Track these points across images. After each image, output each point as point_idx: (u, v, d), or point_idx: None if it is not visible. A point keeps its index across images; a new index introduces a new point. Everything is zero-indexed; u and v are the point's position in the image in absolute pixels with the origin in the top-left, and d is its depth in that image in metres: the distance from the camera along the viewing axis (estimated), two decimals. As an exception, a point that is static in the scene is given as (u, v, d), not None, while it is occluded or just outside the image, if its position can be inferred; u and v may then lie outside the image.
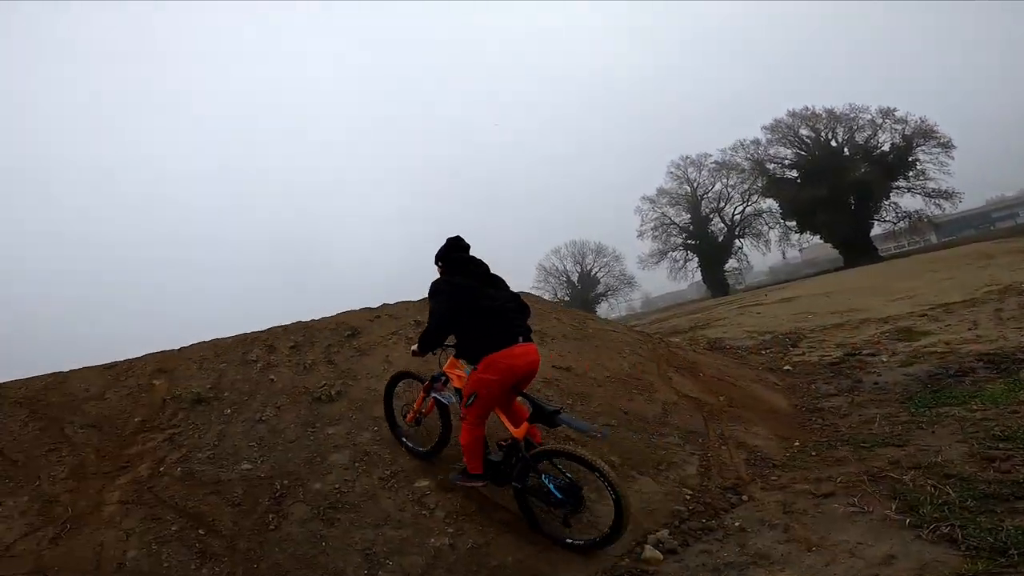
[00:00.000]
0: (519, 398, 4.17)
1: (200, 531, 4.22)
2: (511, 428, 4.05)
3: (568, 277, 58.40)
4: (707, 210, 53.71)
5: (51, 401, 5.88)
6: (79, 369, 6.50)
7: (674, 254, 54.98)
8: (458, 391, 4.38)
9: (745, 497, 4.70)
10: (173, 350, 6.72)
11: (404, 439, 5.12)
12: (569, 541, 3.94)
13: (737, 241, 53.15)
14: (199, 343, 6.91)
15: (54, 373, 6.44)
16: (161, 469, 4.81)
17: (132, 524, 4.23)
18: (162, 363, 6.39)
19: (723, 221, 53.61)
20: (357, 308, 7.77)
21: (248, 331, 7.09)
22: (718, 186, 53.39)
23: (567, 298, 54.36)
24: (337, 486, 4.73)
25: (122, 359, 6.61)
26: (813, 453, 5.41)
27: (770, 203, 51.16)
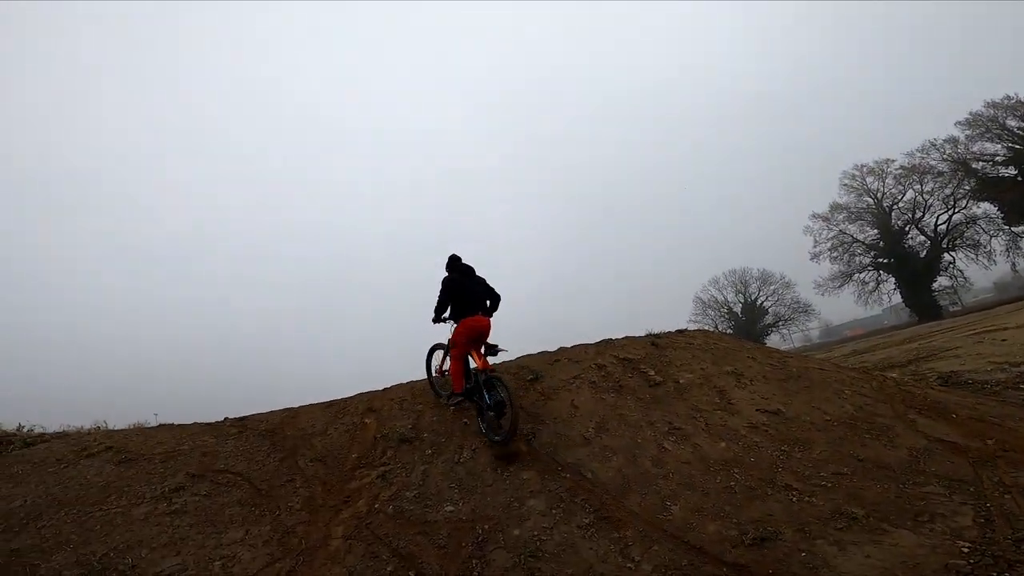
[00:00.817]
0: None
1: (411, 573, 4.22)
2: (477, 361, 6.03)
3: (730, 308, 51.51)
4: (900, 223, 44.43)
5: (287, 434, 6.50)
6: (306, 406, 7.16)
7: (862, 275, 45.96)
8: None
9: (1051, 547, 3.69)
10: (378, 390, 7.13)
11: (435, 387, 6.81)
12: (495, 439, 5.52)
13: (947, 255, 42.87)
14: (398, 384, 7.29)
15: (288, 408, 7.17)
16: (376, 506, 4.98)
17: (353, 561, 4.38)
18: (370, 403, 6.79)
19: (923, 234, 43.83)
20: (535, 352, 7.63)
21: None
22: (910, 194, 43.68)
23: (730, 331, 48.50)
24: (535, 533, 4.50)
25: (338, 397, 7.16)
26: None
27: (986, 207, 41.10)
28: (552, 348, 7.65)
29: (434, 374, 6.90)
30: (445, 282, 6.29)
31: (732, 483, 4.95)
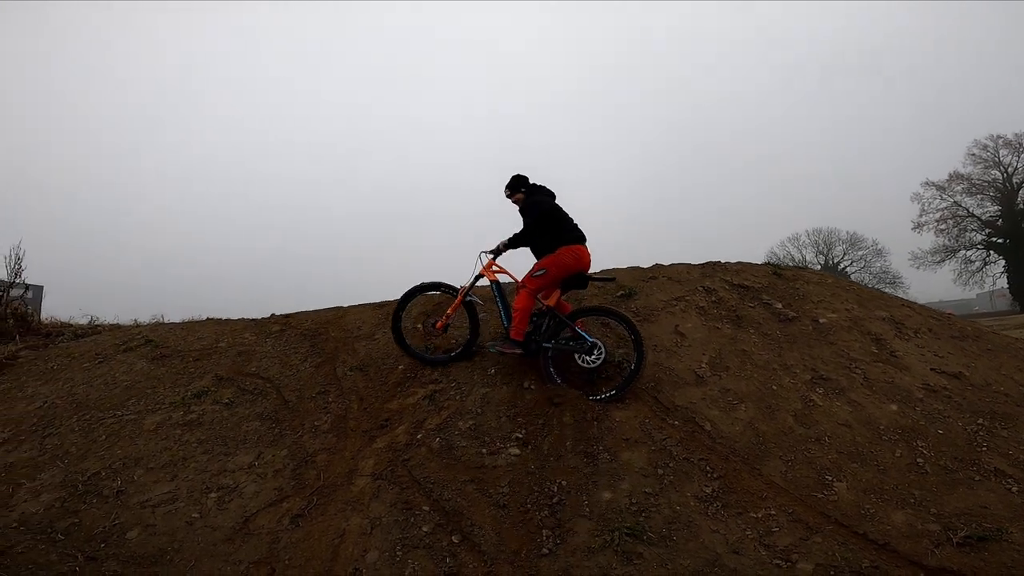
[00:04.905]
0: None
1: (454, 538, 2.85)
2: (543, 301, 4.23)
3: (807, 268, 46.27)
4: (1027, 203, 36.23)
5: (330, 335, 5.26)
6: (356, 305, 5.87)
7: (968, 253, 38.51)
8: (496, 284, 4.50)
9: None
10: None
11: (415, 348, 4.63)
12: (592, 397, 3.82)
13: (1072, 245, 35.12)
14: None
15: (336, 307, 5.93)
16: (419, 436, 3.62)
17: (380, 510, 3.05)
18: (426, 305, 5.37)
19: (1050, 217, 35.59)
20: (624, 266, 5.87)
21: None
22: (1047, 173, 34.97)
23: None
24: (634, 500, 2.98)
25: (392, 299, 5.83)
26: None
27: None
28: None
29: (436, 325, 4.64)
30: (540, 204, 4.35)
31: (919, 460, 3.25)
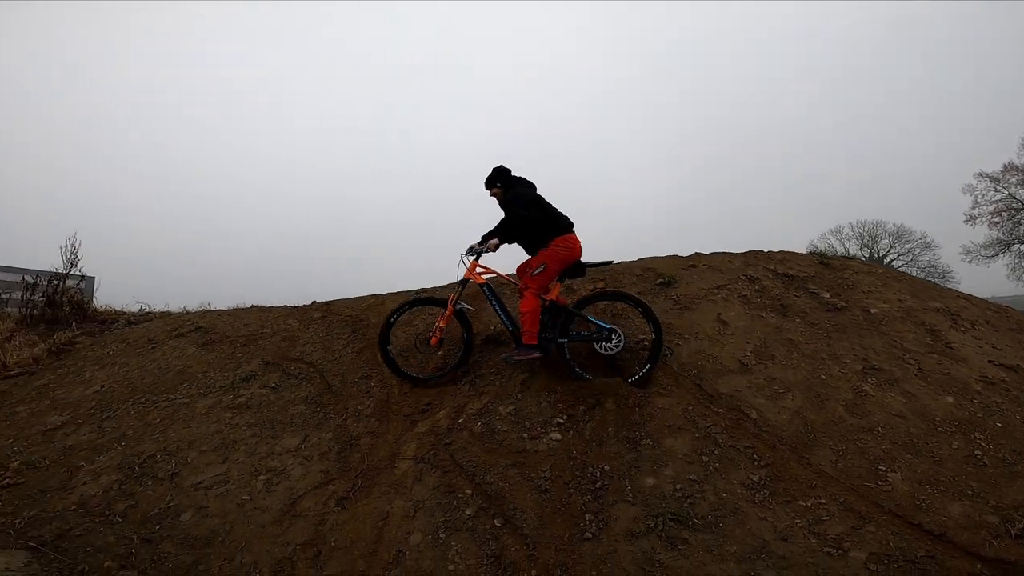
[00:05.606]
0: None
1: (497, 521, 2.86)
2: (544, 297, 4.05)
3: (855, 259, 44.23)
4: (1086, 195, 33.77)
5: (371, 322, 5.33)
6: (395, 293, 5.94)
7: (1023, 247, 38.36)
8: (486, 286, 4.29)
9: None
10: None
11: (406, 369, 4.32)
12: (630, 379, 3.76)
13: None
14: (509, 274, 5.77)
15: (375, 295, 6.01)
16: (460, 421, 3.63)
17: (423, 493, 3.08)
18: (464, 292, 5.38)
19: (1109, 210, 32.92)
20: (661, 255, 5.74)
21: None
22: (1107, 163, 32.64)
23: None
24: (679, 486, 2.94)
25: (431, 286, 5.88)
26: None
27: None
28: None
29: (430, 341, 4.32)
30: (523, 196, 4.09)
31: (977, 452, 3.10)
